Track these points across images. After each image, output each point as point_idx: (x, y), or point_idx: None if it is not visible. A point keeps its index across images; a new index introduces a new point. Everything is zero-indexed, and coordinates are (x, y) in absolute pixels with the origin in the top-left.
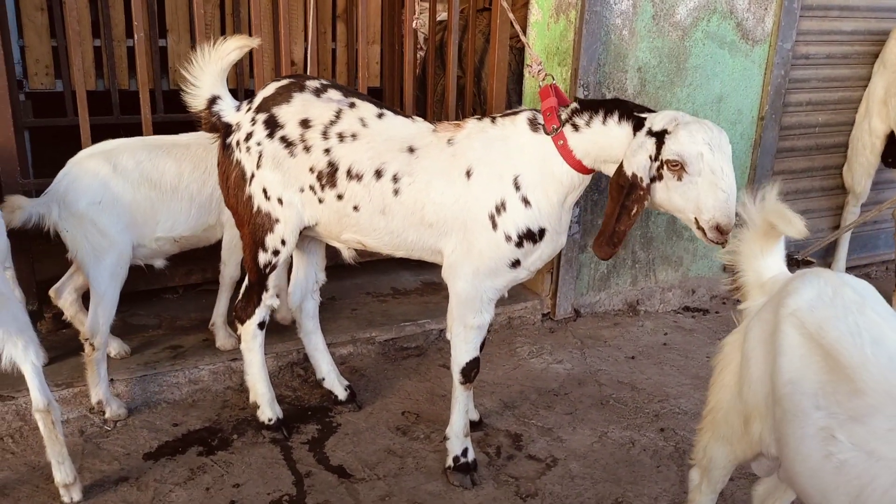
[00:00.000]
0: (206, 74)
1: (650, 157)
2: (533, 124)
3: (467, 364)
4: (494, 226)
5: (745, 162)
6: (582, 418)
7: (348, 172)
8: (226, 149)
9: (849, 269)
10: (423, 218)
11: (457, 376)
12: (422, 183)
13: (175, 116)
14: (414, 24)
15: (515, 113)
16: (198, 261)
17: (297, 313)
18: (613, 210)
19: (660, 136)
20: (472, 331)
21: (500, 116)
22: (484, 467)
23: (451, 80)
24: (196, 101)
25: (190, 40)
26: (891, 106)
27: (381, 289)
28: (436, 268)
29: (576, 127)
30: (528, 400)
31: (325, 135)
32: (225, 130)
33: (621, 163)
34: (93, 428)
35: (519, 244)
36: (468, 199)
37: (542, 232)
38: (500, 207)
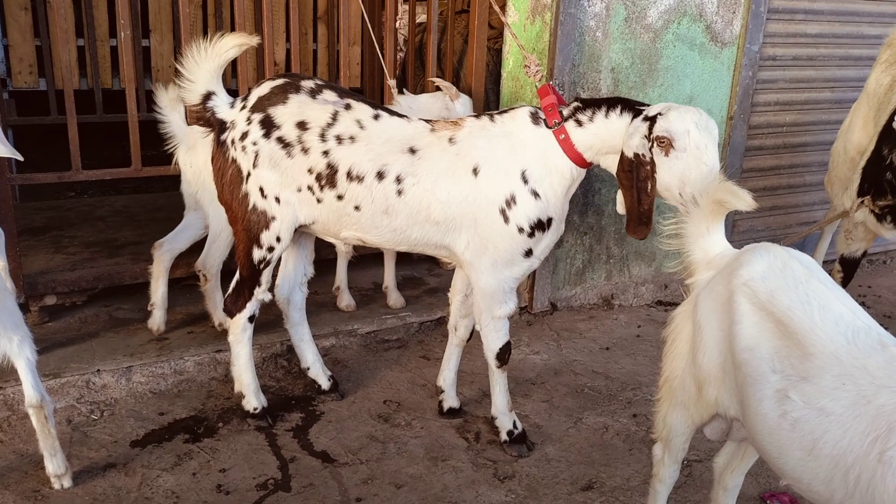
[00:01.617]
0: (201, 70)
1: (644, 137)
2: (535, 119)
3: (500, 349)
4: (506, 219)
5: None
6: (558, 406)
7: (348, 174)
8: (220, 145)
9: (826, 262)
10: (430, 216)
11: (492, 362)
12: (427, 183)
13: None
14: (397, 25)
15: (514, 109)
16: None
17: (284, 305)
18: (632, 195)
19: (652, 119)
20: (499, 321)
21: (498, 114)
22: (463, 451)
23: (431, 74)
24: (190, 95)
25: (173, 40)
26: (876, 123)
27: (363, 284)
28: (416, 263)
29: (579, 122)
30: None
31: (322, 137)
32: (219, 127)
33: (623, 152)
34: (80, 417)
35: (531, 234)
36: (477, 196)
37: (549, 221)
38: (511, 201)
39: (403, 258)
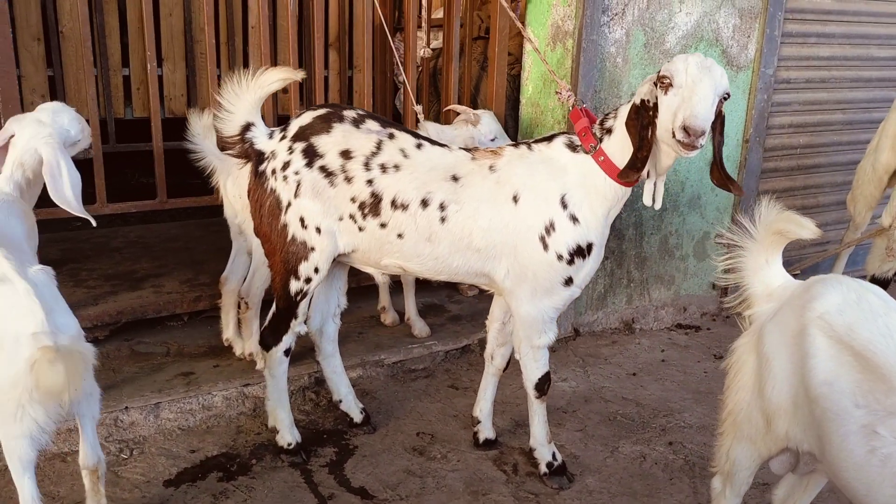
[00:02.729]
0: (242, 102)
1: (652, 83)
2: (571, 146)
3: (539, 380)
4: (546, 247)
5: None
6: (592, 434)
7: (393, 202)
8: (258, 176)
9: None
10: (471, 244)
11: (531, 392)
12: (469, 210)
13: (170, 144)
14: (421, 52)
15: (550, 138)
16: (204, 287)
17: (316, 336)
18: (634, 141)
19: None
20: (539, 350)
21: (534, 142)
22: (503, 484)
23: (453, 101)
24: (229, 126)
25: (185, 69)
26: None
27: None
28: (436, 290)
29: (609, 131)
30: None
31: (366, 166)
32: (257, 158)
33: (632, 104)
34: (110, 456)
35: (570, 262)
36: (517, 223)
37: (590, 247)
38: (550, 228)
39: (424, 286)
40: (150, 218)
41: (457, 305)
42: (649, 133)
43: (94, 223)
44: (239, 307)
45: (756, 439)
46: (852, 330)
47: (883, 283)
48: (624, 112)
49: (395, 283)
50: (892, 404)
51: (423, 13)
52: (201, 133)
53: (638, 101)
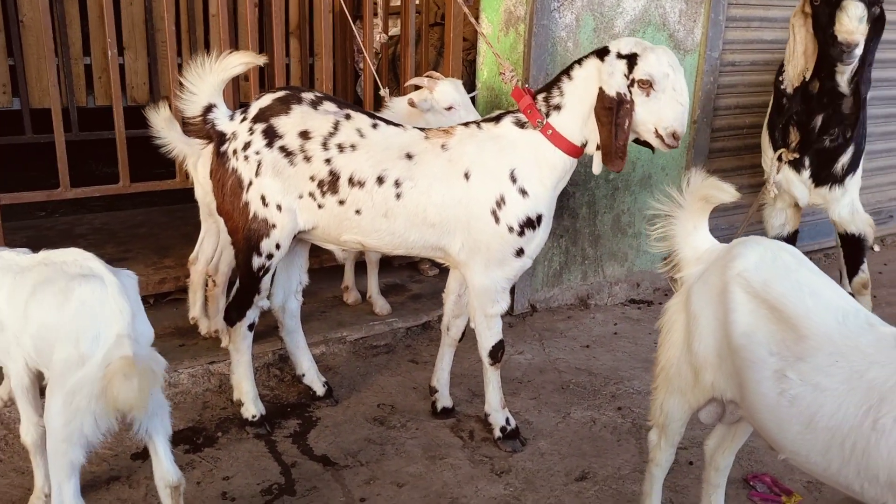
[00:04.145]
0: (205, 84)
1: (624, 76)
2: (519, 123)
3: (493, 347)
4: (497, 220)
5: (680, 163)
6: (546, 402)
7: (350, 180)
8: (220, 156)
9: None
10: (426, 219)
11: (486, 359)
12: (423, 186)
13: (134, 132)
14: (378, 39)
15: (498, 117)
16: (169, 269)
17: (279, 313)
18: (610, 131)
19: (630, 59)
20: (492, 319)
21: (483, 121)
22: (459, 449)
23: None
24: (192, 107)
25: (147, 57)
26: None
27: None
28: (399, 271)
29: (558, 108)
30: None
31: (324, 145)
32: (219, 139)
33: (600, 89)
34: None
35: (521, 233)
36: (469, 198)
37: (539, 218)
38: (500, 202)
39: (387, 267)
40: (114, 205)
41: (418, 285)
42: (627, 123)
43: None
44: (206, 285)
45: (686, 391)
46: (767, 285)
47: (787, 241)
48: (572, 90)
49: (359, 264)
50: (801, 350)
51: (380, 0)
52: (163, 125)
53: (613, 94)
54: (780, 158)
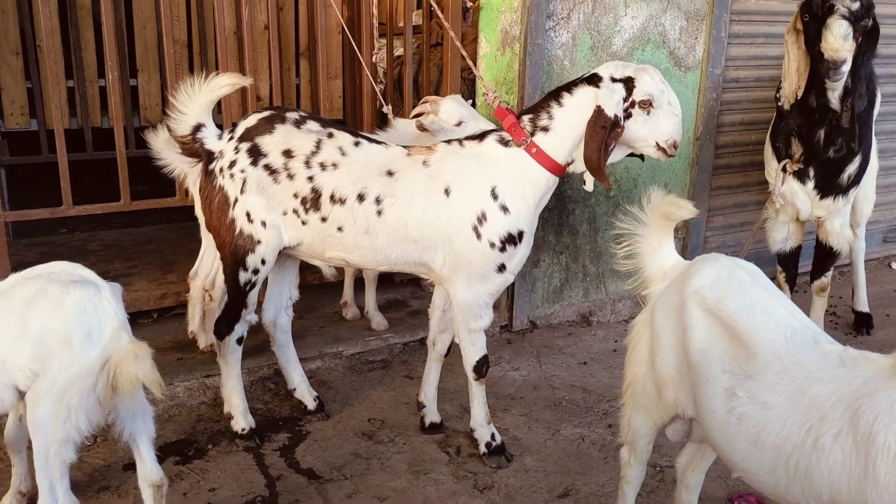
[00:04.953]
0: (194, 103)
1: (623, 99)
2: (503, 141)
3: (478, 362)
4: (479, 236)
5: (683, 179)
6: (536, 418)
7: (332, 197)
8: (208, 174)
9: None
10: (408, 235)
11: (471, 374)
12: (404, 203)
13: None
14: (374, 59)
15: (482, 135)
16: (171, 285)
17: (270, 328)
18: (598, 148)
19: (626, 82)
20: (475, 333)
21: (466, 139)
22: (444, 465)
23: (408, 109)
24: (181, 126)
25: (160, 79)
26: None
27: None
28: (399, 287)
29: (545, 130)
30: None
31: (307, 164)
32: (207, 157)
33: (598, 107)
34: None
35: (503, 249)
36: (450, 214)
37: (520, 234)
38: (482, 218)
39: (388, 283)
40: (132, 223)
41: (418, 301)
42: (613, 145)
43: None
44: (205, 300)
45: (651, 408)
46: (721, 302)
47: (789, 257)
48: (562, 116)
49: (360, 280)
50: (750, 368)
51: (375, 21)
52: (162, 146)
53: (612, 116)
54: (784, 169)
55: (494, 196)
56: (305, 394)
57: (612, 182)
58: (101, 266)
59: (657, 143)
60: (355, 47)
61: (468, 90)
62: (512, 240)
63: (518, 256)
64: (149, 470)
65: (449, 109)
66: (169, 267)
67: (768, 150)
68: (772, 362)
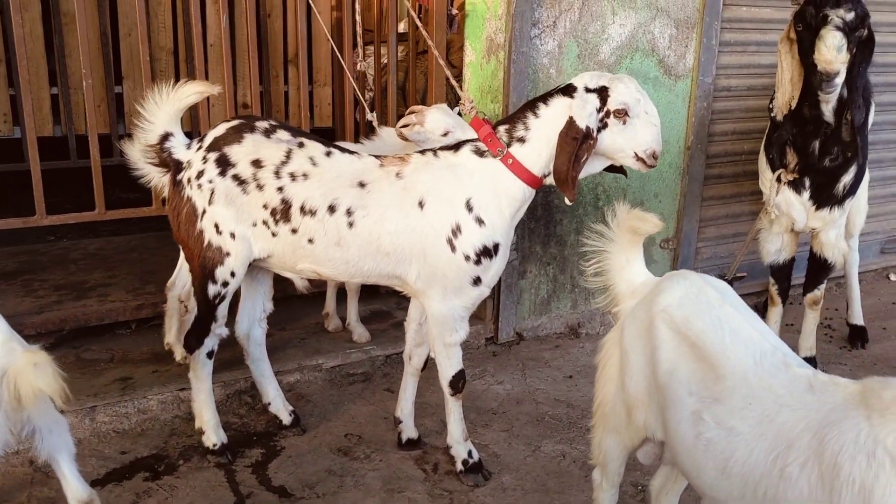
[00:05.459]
0: (161, 112)
1: (596, 110)
2: (478, 152)
3: (454, 377)
4: (453, 248)
5: (674, 189)
6: (517, 434)
7: (302, 208)
8: (176, 185)
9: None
10: (380, 248)
11: (446, 389)
12: (376, 215)
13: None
14: (359, 67)
15: (457, 146)
16: (148, 295)
17: (244, 341)
18: (569, 159)
19: (600, 92)
20: (451, 348)
21: (440, 149)
22: (420, 483)
23: (391, 116)
24: (149, 135)
25: (145, 87)
26: None
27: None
28: (386, 298)
29: (521, 140)
30: (466, 419)
31: (277, 174)
32: (175, 167)
33: (570, 118)
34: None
35: (478, 262)
36: (424, 227)
37: (496, 247)
38: (457, 230)
39: (373, 293)
40: (119, 231)
41: (403, 312)
42: (585, 157)
43: None
44: (181, 311)
45: (621, 430)
46: (689, 321)
47: (782, 269)
48: (538, 126)
49: (343, 291)
50: (718, 391)
51: (359, 28)
52: (138, 156)
53: (584, 127)
54: (779, 179)
55: (469, 208)
56: (280, 408)
57: (578, 196)
58: (80, 276)
59: (635, 154)
60: (338, 54)
61: (455, 99)
62: (487, 252)
63: (493, 269)
64: (74, 488)
65: (435, 120)
66: (148, 277)
67: (762, 160)
68: (739, 385)
